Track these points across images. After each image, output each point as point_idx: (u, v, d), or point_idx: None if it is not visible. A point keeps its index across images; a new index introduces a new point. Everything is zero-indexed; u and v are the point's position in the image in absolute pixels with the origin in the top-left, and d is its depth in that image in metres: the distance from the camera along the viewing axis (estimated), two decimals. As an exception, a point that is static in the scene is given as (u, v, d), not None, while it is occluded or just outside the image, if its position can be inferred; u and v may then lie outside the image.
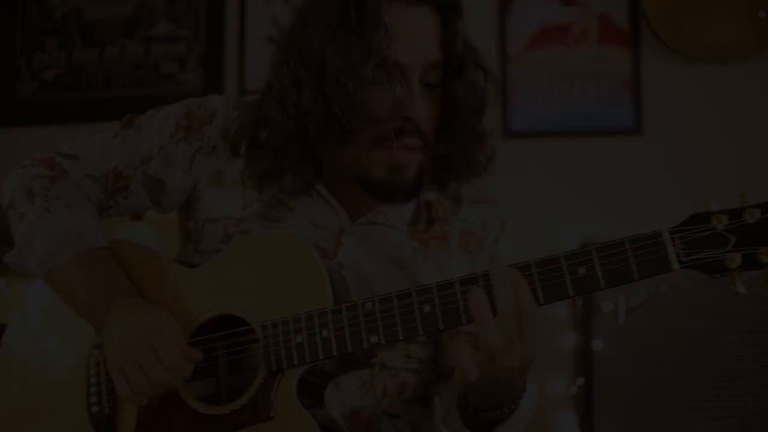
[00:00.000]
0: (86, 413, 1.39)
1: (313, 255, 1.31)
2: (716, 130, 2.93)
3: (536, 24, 3.07)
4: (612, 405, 2.50)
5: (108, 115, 3.10)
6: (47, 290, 1.46)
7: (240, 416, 1.28)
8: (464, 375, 1.14)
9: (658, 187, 2.91)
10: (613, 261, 1.13)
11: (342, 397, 1.38)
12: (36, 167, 1.48)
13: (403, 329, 1.22)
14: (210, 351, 1.36)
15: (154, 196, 1.49)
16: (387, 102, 1.27)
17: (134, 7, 3.36)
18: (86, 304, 1.38)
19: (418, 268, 1.43)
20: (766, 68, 2.90)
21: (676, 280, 2.48)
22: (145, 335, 1.26)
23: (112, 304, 1.33)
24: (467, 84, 1.32)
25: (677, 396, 2.47)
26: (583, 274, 1.14)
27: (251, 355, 1.36)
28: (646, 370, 2.48)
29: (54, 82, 3.42)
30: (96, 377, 1.40)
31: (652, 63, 2.99)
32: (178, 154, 1.45)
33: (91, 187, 1.48)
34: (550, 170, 2.98)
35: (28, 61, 3.46)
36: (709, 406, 2.45)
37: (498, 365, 1.13)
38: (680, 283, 2.49)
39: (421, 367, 1.46)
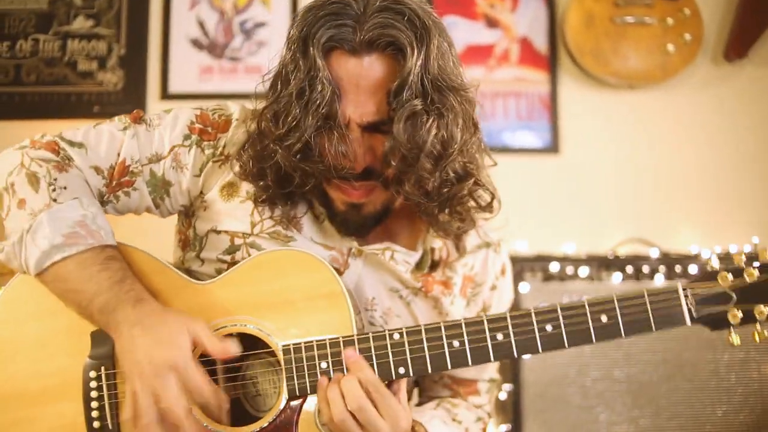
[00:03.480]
0: (85, 427, 1.32)
1: (335, 278, 1.32)
2: (624, 150, 3.15)
3: (461, 44, 3.19)
4: (537, 409, 2.65)
5: (19, 112, 3.06)
6: (28, 291, 1.35)
7: (261, 439, 1.28)
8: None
9: (572, 204, 3.10)
10: (633, 312, 1.23)
11: None
12: (38, 150, 1.38)
13: (432, 363, 1.26)
14: (212, 363, 1.34)
15: (157, 197, 1.44)
16: (331, 150, 1.25)
17: (49, 1, 3.21)
18: (93, 306, 1.27)
19: (418, 300, 1.47)
20: (670, 95, 3.15)
21: (584, 287, 2.67)
22: (163, 359, 1.20)
23: (124, 311, 1.25)
24: (406, 127, 1.22)
25: (597, 399, 2.65)
26: (604, 323, 1.24)
27: (253, 369, 1.38)
28: (569, 376, 2.64)
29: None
30: (97, 390, 1.32)
31: (568, 86, 3.17)
32: (190, 158, 1.42)
33: (94, 178, 1.40)
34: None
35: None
36: (626, 408, 2.65)
37: None
38: (586, 290, 2.69)
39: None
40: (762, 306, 1.20)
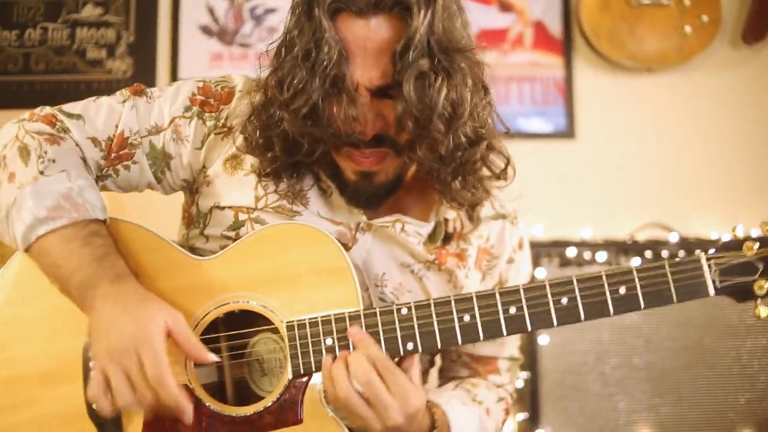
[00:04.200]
0: (85, 407, 1.28)
1: (342, 253, 1.27)
2: (641, 135, 3.10)
3: (475, 28, 3.13)
4: (555, 397, 2.60)
5: (28, 101, 3.03)
6: (27, 269, 1.31)
7: (266, 418, 1.25)
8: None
9: (589, 189, 3.05)
10: (653, 283, 1.18)
11: None
12: (35, 123, 1.35)
13: (441, 338, 1.22)
14: (218, 341, 1.31)
15: (158, 171, 1.41)
16: (340, 114, 1.22)
17: (58, -11, 3.20)
18: (72, 281, 1.23)
19: (431, 274, 1.42)
20: (687, 78, 3.09)
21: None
22: (134, 339, 1.16)
23: (102, 287, 1.21)
24: (416, 87, 1.18)
25: (616, 387, 2.60)
26: (623, 294, 1.18)
27: (258, 348, 1.33)
28: (588, 364, 2.59)
29: (-34, 64, 3.20)
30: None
31: (583, 70, 3.12)
32: (190, 129, 1.38)
33: (91, 151, 1.36)
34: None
35: (-64, 40, 3.22)
36: (646, 396, 2.59)
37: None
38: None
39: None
40: (791, 277, 1.14)
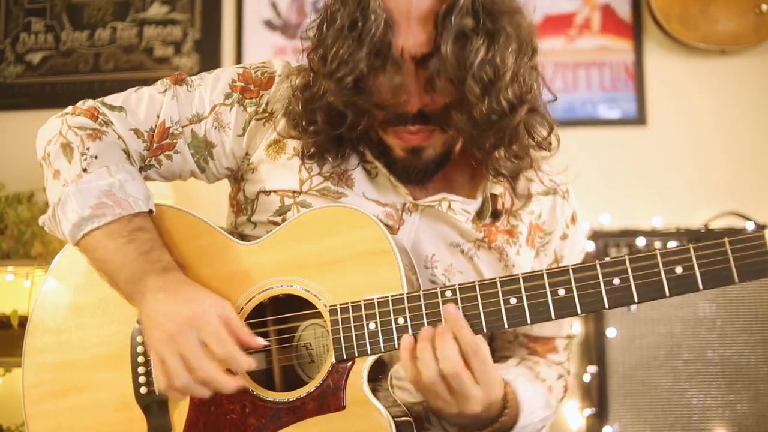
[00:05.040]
0: (133, 393, 1.31)
1: (386, 236, 1.24)
2: (717, 121, 2.97)
3: (539, 14, 3.07)
4: (624, 392, 2.51)
5: None
6: (79, 258, 1.34)
7: (307, 404, 1.23)
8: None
9: (660, 177, 2.94)
10: (712, 261, 1.10)
11: (392, 392, 1.33)
12: (77, 117, 1.36)
13: (486, 322, 1.17)
14: (265, 328, 1.30)
15: (200, 159, 1.41)
16: (387, 86, 1.21)
17: (126, -11, 3.27)
18: (120, 277, 1.25)
19: (481, 254, 1.39)
20: (765, 60, 2.95)
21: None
22: (191, 323, 1.17)
23: (149, 280, 1.22)
24: (454, 47, 1.17)
25: (689, 383, 2.49)
26: (680, 274, 1.11)
27: (306, 333, 1.32)
28: (659, 358, 2.50)
29: (41, 64, 3.30)
30: (144, 356, 1.31)
31: (654, 54, 3.02)
32: (231, 116, 1.38)
33: (134, 142, 1.38)
34: (554, 160, 2.97)
35: (13, 43, 3.33)
36: (720, 392, 2.48)
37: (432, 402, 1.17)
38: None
39: None
40: None
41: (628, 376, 2.50)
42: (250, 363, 1.19)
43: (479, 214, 1.39)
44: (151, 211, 1.32)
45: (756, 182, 2.89)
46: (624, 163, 2.97)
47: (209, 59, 3.19)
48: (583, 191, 2.88)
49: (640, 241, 2.60)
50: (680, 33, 2.90)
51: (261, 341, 1.21)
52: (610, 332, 2.53)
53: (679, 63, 3.00)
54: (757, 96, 2.95)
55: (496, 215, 1.40)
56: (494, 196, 1.40)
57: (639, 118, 2.99)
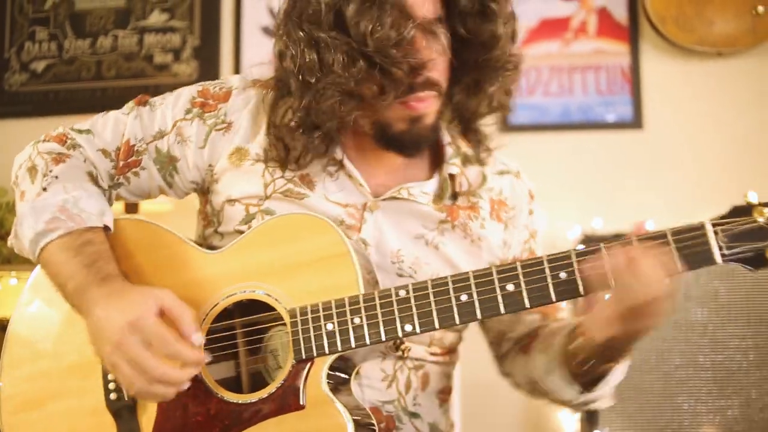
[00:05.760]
0: (104, 399, 1.33)
1: (342, 239, 1.27)
2: (713, 124, 2.96)
3: (535, 18, 3.08)
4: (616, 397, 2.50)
5: (100, 107, 3.15)
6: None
7: (268, 405, 1.25)
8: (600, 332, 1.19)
9: (656, 180, 2.93)
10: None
11: (362, 391, 1.36)
12: (47, 143, 1.43)
13: (439, 319, 1.21)
14: (231, 335, 1.32)
15: (166, 174, 1.46)
16: (417, 53, 1.26)
17: (126, -2, 3.33)
18: (67, 289, 1.29)
19: (446, 238, 1.42)
20: (762, 62, 2.94)
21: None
22: (132, 329, 1.18)
23: (89, 292, 1.25)
24: (464, 19, 1.32)
25: (680, 388, 2.48)
26: None
27: (273, 341, 1.34)
28: (650, 362, 2.49)
29: (44, 72, 3.36)
30: None
31: (650, 56, 3.01)
32: (192, 130, 1.42)
33: (102, 162, 1.43)
34: (549, 163, 2.98)
35: (18, 51, 3.39)
36: (711, 398, 2.47)
37: (641, 323, 1.14)
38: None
39: (444, 358, 1.46)
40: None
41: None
42: (198, 356, 1.20)
43: (439, 196, 1.43)
44: (106, 227, 1.36)
45: (753, 185, 2.85)
46: (619, 166, 2.97)
47: (208, 66, 3.24)
48: (582, 195, 2.92)
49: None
50: (676, 35, 2.90)
51: (198, 338, 1.22)
52: (601, 336, 2.52)
53: (675, 66, 2.99)
54: (754, 98, 2.94)
55: (455, 197, 1.45)
56: (452, 177, 1.44)
57: (635, 122, 2.99)
